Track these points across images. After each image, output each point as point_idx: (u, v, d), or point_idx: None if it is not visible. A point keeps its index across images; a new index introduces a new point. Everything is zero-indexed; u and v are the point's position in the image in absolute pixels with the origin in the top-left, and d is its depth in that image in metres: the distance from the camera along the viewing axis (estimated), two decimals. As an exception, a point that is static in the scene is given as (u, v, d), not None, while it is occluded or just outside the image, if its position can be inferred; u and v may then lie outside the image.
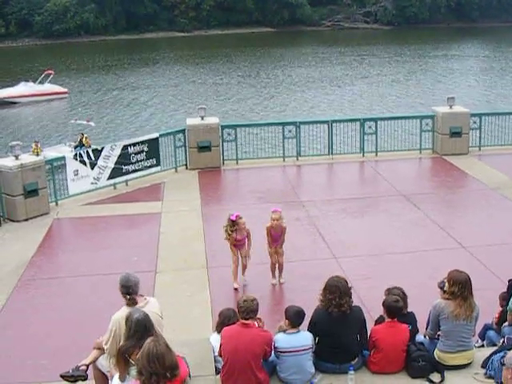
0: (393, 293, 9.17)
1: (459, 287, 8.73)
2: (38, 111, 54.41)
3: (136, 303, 8.35)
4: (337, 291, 8.58)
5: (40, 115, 52.91)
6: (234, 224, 13.37)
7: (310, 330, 8.73)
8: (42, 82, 57.76)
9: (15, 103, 56.36)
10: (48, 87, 57.78)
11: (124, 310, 8.24)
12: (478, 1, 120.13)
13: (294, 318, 8.57)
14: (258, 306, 8.44)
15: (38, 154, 33.06)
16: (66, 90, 59.35)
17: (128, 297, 8.39)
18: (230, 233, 13.40)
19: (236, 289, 13.54)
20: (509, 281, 10.11)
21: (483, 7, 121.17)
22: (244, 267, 13.81)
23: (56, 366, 9.50)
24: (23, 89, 57.08)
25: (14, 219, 18.00)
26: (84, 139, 34.69)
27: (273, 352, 8.52)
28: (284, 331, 8.63)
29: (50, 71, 58.13)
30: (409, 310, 9.38)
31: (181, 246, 16.03)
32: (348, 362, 8.68)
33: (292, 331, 8.55)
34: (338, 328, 8.56)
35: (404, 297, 9.26)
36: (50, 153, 32.36)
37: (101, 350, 8.63)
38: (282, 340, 8.52)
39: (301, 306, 8.76)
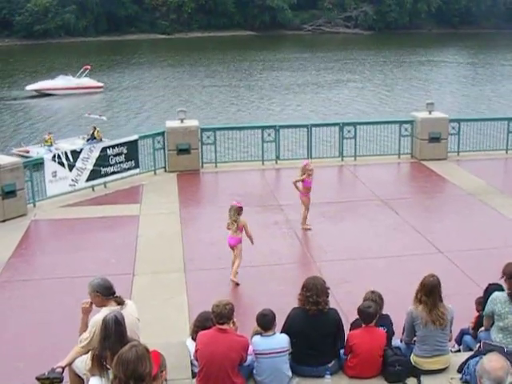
0: (368, 298, 9.20)
1: (426, 293, 8.76)
2: (70, 104, 55.72)
3: (123, 302, 8.33)
4: (314, 289, 8.59)
5: (71, 107, 54.21)
6: (305, 169, 16.43)
7: (285, 328, 8.73)
8: (79, 76, 59.15)
9: (51, 95, 57.92)
10: (85, 81, 59.50)
11: (104, 312, 8.18)
12: (458, 7, 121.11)
13: (260, 320, 8.57)
14: (232, 310, 8.39)
15: (51, 145, 34.76)
16: (101, 84, 60.80)
17: (117, 296, 8.38)
18: (303, 178, 16.27)
19: None
20: (488, 285, 9.99)
21: (463, 14, 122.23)
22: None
23: (32, 369, 9.40)
24: (61, 82, 58.62)
25: (-9, 220, 17.88)
26: (96, 132, 35.76)
27: (249, 356, 8.51)
28: (260, 334, 8.62)
29: (87, 66, 59.81)
30: (385, 313, 9.41)
31: (159, 248, 15.95)
32: (324, 364, 8.69)
33: (268, 333, 8.54)
34: (313, 327, 8.56)
35: (380, 301, 9.27)
36: (64, 144, 33.65)
37: (78, 352, 8.57)
38: (259, 342, 8.51)
39: (278, 310, 8.74)
